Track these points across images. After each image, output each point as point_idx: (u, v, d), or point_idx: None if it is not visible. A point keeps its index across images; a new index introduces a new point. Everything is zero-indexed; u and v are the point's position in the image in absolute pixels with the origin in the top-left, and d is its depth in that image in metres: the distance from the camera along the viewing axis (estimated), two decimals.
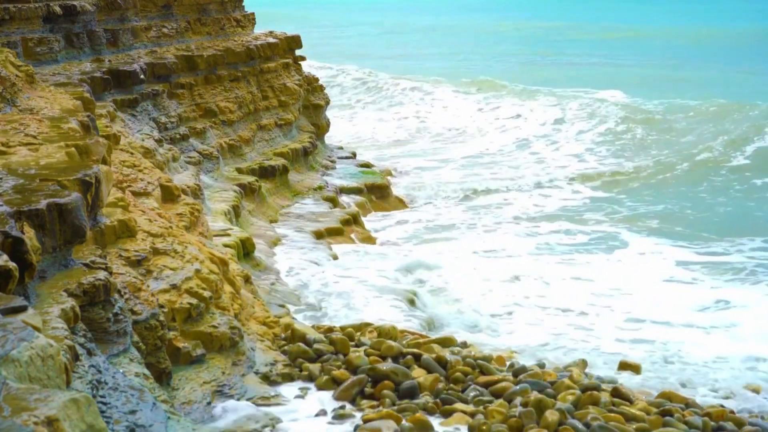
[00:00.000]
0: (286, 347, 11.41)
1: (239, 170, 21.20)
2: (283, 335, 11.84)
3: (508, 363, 11.91)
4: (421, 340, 12.11)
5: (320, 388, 10.47)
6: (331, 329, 12.48)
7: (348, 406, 10.00)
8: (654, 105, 38.37)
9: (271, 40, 25.57)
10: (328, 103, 28.54)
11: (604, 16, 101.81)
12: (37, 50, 17.28)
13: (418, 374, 10.68)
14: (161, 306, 9.15)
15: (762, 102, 36.07)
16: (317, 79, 28.29)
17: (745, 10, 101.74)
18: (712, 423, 10.21)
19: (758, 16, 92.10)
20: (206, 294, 9.96)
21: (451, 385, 10.76)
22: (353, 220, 20.55)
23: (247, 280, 12.98)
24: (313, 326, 12.61)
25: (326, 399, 10.17)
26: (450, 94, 43.47)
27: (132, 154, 13.87)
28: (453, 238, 20.60)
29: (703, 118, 35.51)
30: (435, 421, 9.71)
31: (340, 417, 9.67)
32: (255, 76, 24.31)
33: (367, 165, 26.56)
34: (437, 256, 18.24)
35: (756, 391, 11.96)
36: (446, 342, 12.25)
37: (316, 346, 11.39)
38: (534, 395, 10.06)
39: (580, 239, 20.62)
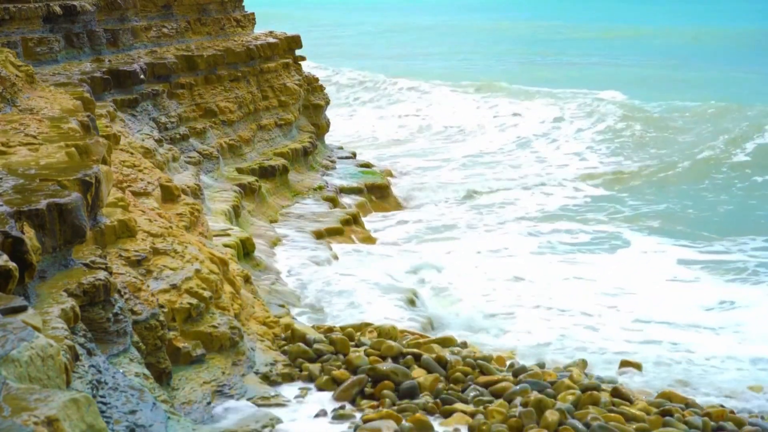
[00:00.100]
0: (286, 347, 11.41)
1: (239, 170, 21.21)
2: (283, 335, 11.84)
3: (508, 363, 11.92)
4: (421, 340, 12.11)
5: (320, 388, 10.47)
6: (331, 329, 12.48)
7: (348, 406, 10.00)
8: (652, 107, 38.39)
9: (271, 40, 25.57)
10: (328, 103, 28.55)
11: (604, 16, 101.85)
12: (37, 50, 17.28)
13: (418, 374, 10.67)
14: (161, 306, 9.15)
15: (761, 103, 36.04)
16: (317, 79, 28.30)
17: (745, 10, 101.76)
18: (712, 423, 10.21)
19: (758, 16, 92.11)
20: (206, 294, 9.96)
21: (451, 385, 10.75)
22: (353, 220, 20.55)
23: (247, 280, 12.98)
24: (313, 326, 12.61)
25: (326, 399, 10.17)
26: (448, 93, 43.54)
27: (132, 154, 13.87)
28: (454, 238, 20.59)
29: (702, 119, 35.54)
30: (435, 421, 9.71)
31: (340, 417, 9.67)
32: (255, 76, 24.31)
33: (367, 165, 26.56)
34: (438, 256, 18.24)
35: (757, 390, 11.96)
36: (446, 342, 12.25)
37: (316, 346, 11.39)
38: (534, 395, 10.06)
39: (582, 239, 20.61)
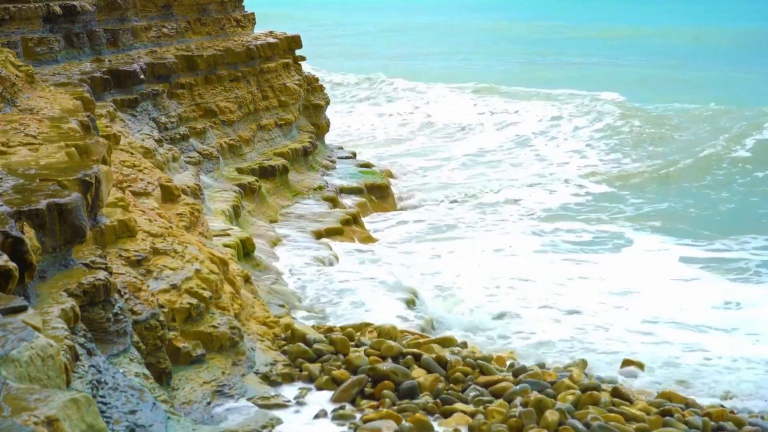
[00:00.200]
0: (286, 347, 11.40)
1: (239, 170, 21.21)
2: (283, 335, 11.83)
3: (508, 363, 11.92)
4: (421, 340, 12.11)
5: (320, 388, 10.47)
6: (331, 329, 12.48)
7: (348, 406, 9.99)
8: (651, 109, 38.37)
9: (271, 40, 25.57)
10: (328, 103, 28.55)
11: (604, 16, 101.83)
12: (37, 50, 17.27)
13: (418, 374, 10.67)
14: (161, 306, 9.15)
15: (760, 105, 36.05)
16: (317, 79, 28.30)
17: (745, 10, 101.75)
18: (712, 423, 10.21)
19: (758, 16, 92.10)
20: (206, 294, 9.96)
21: (451, 385, 10.75)
22: (353, 220, 20.55)
23: (247, 280, 12.98)
24: (313, 326, 12.61)
25: (326, 399, 10.17)
26: (447, 93, 43.61)
27: (132, 154, 13.86)
28: (456, 238, 20.57)
29: (700, 119, 35.57)
30: (435, 421, 9.71)
31: (340, 417, 9.67)
32: (255, 76, 24.31)
33: (367, 165, 26.56)
34: (439, 256, 18.24)
35: None
36: (446, 342, 12.25)
37: (316, 346, 11.39)
38: (534, 395, 10.06)
39: (584, 238, 20.59)
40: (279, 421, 9.18)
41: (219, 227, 15.44)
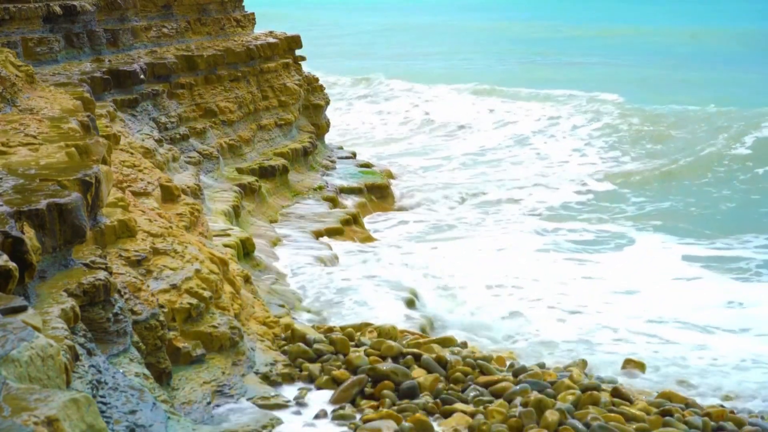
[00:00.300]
0: (286, 347, 11.41)
1: (239, 170, 21.21)
2: (283, 335, 11.84)
3: (508, 363, 11.92)
4: (421, 340, 12.11)
5: (320, 388, 10.47)
6: (331, 329, 12.48)
7: (348, 407, 9.99)
8: (650, 109, 38.37)
9: (271, 40, 25.57)
10: (328, 103, 28.55)
11: (604, 16, 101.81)
12: (37, 50, 17.27)
13: (418, 374, 10.67)
14: (161, 306, 9.15)
15: (760, 106, 36.04)
16: (317, 79, 28.30)
17: (745, 10, 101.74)
18: (712, 423, 10.22)
19: (758, 16, 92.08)
20: (206, 294, 9.96)
21: (451, 385, 10.76)
22: (353, 220, 20.55)
23: (247, 280, 12.98)
24: (313, 326, 12.61)
25: (326, 399, 10.17)
26: (445, 92, 43.66)
27: (132, 154, 13.87)
28: (456, 237, 20.55)
29: (699, 119, 35.58)
30: (435, 422, 9.71)
31: (340, 417, 9.67)
32: (255, 76, 24.31)
33: (367, 165, 26.57)
34: (440, 256, 18.23)
35: None
36: (446, 342, 12.26)
37: (316, 346, 11.39)
38: (534, 395, 10.06)
39: (587, 237, 20.60)
40: (279, 422, 9.19)
41: (219, 227, 15.44)
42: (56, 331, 5.64)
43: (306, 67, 27.86)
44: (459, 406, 10.09)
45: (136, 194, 11.69)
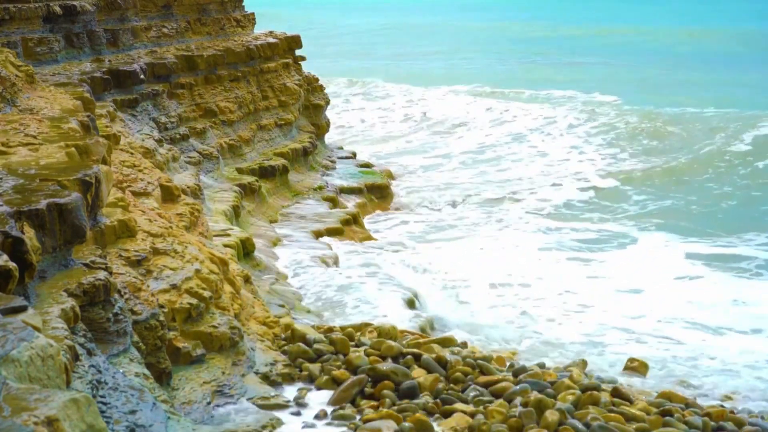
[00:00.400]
0: (286, 347, 11.40)
1: (239, 170, 21.21)
2: (283, 335, 11.83)
3: (508, 363, 11.91)
4: (421, 340, 12.11)
5: (320, 388, 10.47)
6: (331, 329, 12.48)
7: (348, 407, 9.99)
8: (648, 110, 38.39)
9: (271, 40, 25.57)
10: (328, 103, 28.56)
11: (604, 16, 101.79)
12: (37, 50, 17.27)
13: (418, 374, 10.67)
14: (161, 306, 9.15)
15: (759, 109, 36.06)
16: (317, 79, 28.31)
17: (745, 11, 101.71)
18: (712, 423, 10.21)
19: (758, 16, 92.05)
20: (206, 294, 9.96)
21: (451, 385, 10.75)
22: (353, 220, 20.55)
23: (247, 280, 12.98)
24: (313, 326, 12.61)
25: (326, 399, 10.16)
26: (443, 92, 43.73)
27: (132, 154, 13.86)
28: (457, 237, 20.55)
29: (698, 120, 35.60)
30: (435, 422, 9.71)
31: (340, 417, 9.66)
32: (255, 76, 24.31)
33: (367, 165, 26.58)
34: (440, 256, 18.22)
35: None
36: (446, 342, 12.25)
37: (316, 346, 11.38)
38: (534, 395, 10.06)
39: (589, 236, 20.59)
40: (279, 422, 9.18)
41: (219, 227, 15.44)
42: (56, 331, 5.64)
43: (305, 67, 27.87)
44: (459, 406, 10.09)
45: (136, 194, 11.69)
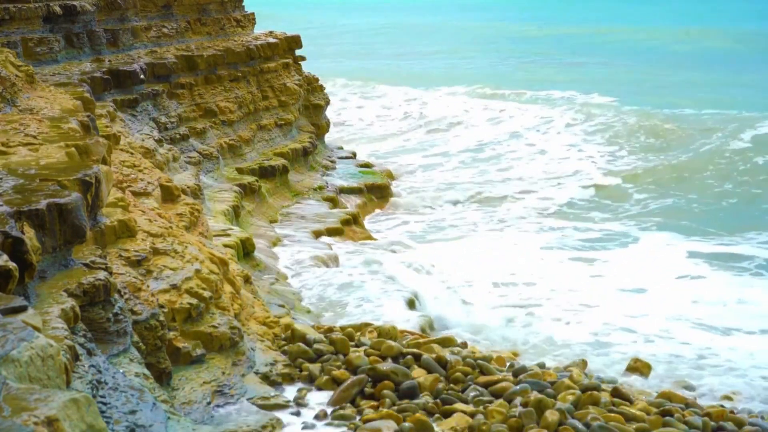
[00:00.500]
0: (286, 347, 11.40)
1: (239, 170, 21.21)
2: (283, 335, 11.83)
3: (508, 363, 11.91)
4: (421, 340, 12.11)
5: (320, 388, 10.47)
6: (331, 329, 12.48)
7: (348, 407, 9.99)
8: (646, 111, 38.40)
9: (271, 40, 25.58)
10: (328, 103, 28.56)
11: (603, 16, 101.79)
12: (37, 50, 17.27)
13: (418, 374, 10.67)
14: (161, 306, 9.15)
15: (759, 110, 36.07)
16: (317, 79, 28.31)
17: (745, 11, 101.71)
18: (712, 423, 10.21)
19: (758, 17, 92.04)
20: (206, 294, 9.96)
21: (451, 385, 10.75)
22: (353, 220, 20.55)
23: (247, 280, 12.98)
24: (313, 326, 12.61)
25: (326, 399, 10.17)
26: (442, 92, 43.77)
27: (132, 154, 13.86)
28: (458, 237, 20.53)
29: (696, 120, 35.62)
30: (435, 422, 9.71)
31: (340, 417, 9.67)
32: (255, 76, 24.32)
33: (367, 165, 26.58)
34: (440, 256, 18.21)
35: None
36: (446, 342, 12.25)
37: (316, 346, 11.38)
38: (534, 395, 10.06)
39: (591, 235, 20.58)
40: (279, 422, 9.18)
41: (219, 227, 15.44)
42: (56, 331, 5.64)
43: (305, 67, 27.88)
44: (459, 406, 10.09)
45: (136, 194, 11.69)
